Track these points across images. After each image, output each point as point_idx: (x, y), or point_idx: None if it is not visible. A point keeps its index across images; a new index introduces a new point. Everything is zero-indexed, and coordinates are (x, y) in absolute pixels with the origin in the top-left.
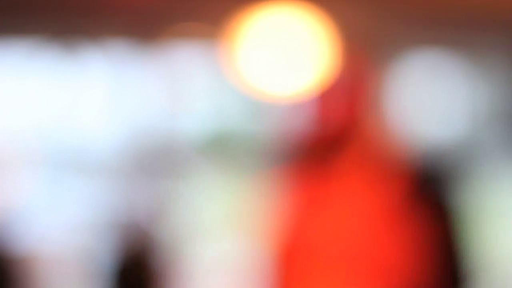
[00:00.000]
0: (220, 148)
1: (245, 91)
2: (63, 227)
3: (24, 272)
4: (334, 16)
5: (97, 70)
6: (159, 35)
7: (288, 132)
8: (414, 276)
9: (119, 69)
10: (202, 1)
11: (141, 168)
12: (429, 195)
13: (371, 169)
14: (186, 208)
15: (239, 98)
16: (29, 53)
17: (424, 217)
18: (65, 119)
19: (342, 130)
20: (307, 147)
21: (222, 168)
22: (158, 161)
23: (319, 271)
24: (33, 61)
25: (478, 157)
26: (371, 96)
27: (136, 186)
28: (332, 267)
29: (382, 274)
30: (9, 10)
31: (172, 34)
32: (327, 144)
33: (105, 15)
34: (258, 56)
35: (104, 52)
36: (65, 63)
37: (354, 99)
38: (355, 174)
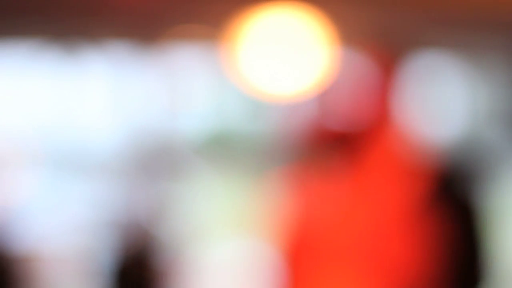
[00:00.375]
0: (221, 148)
1: (246, 91)
2: (64, 226)
3: (25, 271)
4: (334, 18)
5: (97, 71)
6: (159, 37)
7: (294, 130)
8: (430, 275)
9: (119, 71)
10: (202, 3)
11: (142, 168)
12: (450, 195)
13: (390, 167)
14: (187, 208)
15: (239, 98)
16: (30, 54)
17: (445, 217)
18: (66, 119)
19: (357, 127)
20: (316, 145)
21: (223, 168)
22: (158, 162)
23: (329, 269)
24: (34, 62)
25: (482, 157)
26: (393, 95)
27: (137, 186)
28: (342, 265)
29: (394, 272)
30: (10, 11)
31: (172, 35)
32: (339, 142)
33: (106, 17)
34: (258, 57)
35: (105, 54)
36: (65, 64)
37: (375, 97)
38: (370, 172)
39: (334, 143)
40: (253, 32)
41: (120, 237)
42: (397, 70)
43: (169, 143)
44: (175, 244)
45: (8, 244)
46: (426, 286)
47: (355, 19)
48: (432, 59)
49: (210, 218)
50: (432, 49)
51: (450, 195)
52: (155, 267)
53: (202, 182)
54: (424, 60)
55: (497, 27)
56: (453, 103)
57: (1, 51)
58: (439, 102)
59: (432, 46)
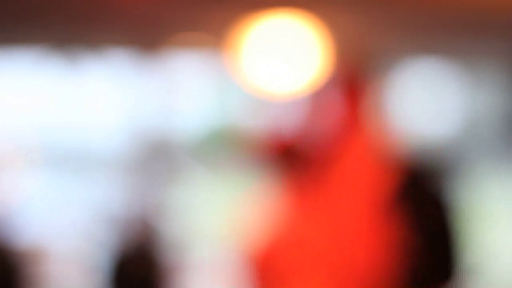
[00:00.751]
0: (219, 149)
1: (247, 91)
2: (66, 223)
3: (28, 267)
4: (331, 25)
5: (99, 75)
6: (160, 44)
7: (282, 132)
8: (402, 273)
9: (121, 75)
10: (202, 12)
11: (142, 167)
12: (421, 195)
13: (361, 172)
14: (187, 206)
15: (239, 100)
16: (35, 59)
17: (416, 217)
18: (68, 120)
19: (335, 133)
20: (286, 152)
21: (222, 167)
22: (158, 160)
23: (302, 275)
24: (38, 67)
25: (472, 156)
26: (367, 100)
27: (138, 184)
28: (315, 271)
29: (367, 276)
30: (16, 20)
31: (172, 43)
32: (319, 147)
33: (107, 25)
34: (257, 60)
35: (107, 60)
36: (68, 68)
37: (350, 103)
38: (342, 178)
39: (306, 151)
40: (251, 37)
41: (121, 234)
42: (383, 79)
43: (169, 142)
44: (175, 241)
45: (11, 240)
46: (398, 284)
47: (351, 26)
48: (428, 66)
49: (206, 217)
50: (429, 57)
51: (422, 195)
52: (155, 263)
53: (201, 181)
54: (421, 67)
55: (491, 34)
56: (448, 106)
57: (7, 56)
58: (435, 105)
59: (428, 54)
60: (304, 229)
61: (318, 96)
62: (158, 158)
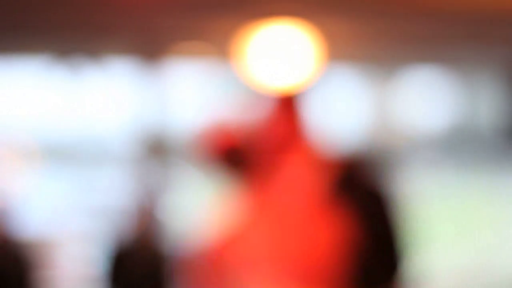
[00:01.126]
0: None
1: (248, 94)
2: (70, 213)
3: (32, 259)
4: (329, 34)
5: (102, 83)
6: (160, 53)
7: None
8: (349, 268)
9: (122, 83)
10: (203, 21)
11: (143, 159)
12: (364, 189)
13: (308, 170)
14: (187, 198)
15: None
16: (38, 68)
17: (359, 210)
18: (72, 121)
19: (285, 138)
20: (243, 150)
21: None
22: (156, 160)
23: (252, 271)
24: (42, 75)
25: (461, 158)
26: (309, 108)
27: (137, 180)
28: (264, 268)
29: (316, 272)
30: (19, 30)
31: (173, 52)
32: (264, 148)
33: (110, 34)
34: (257, 65)
35: (110, 68)
36: (71, 76)
37: (292, 107)
38: (291, 176)
39: (252, 151)
40: (251, 45)
41: (121, 227)
42: (382, 85)
43: (167, 144)
44: (177, 230)
45: (16, 233)
46: (345, 278)
47: (348, 35)
48: (423, 75)
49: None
50: (422, 63)
51: (363, 191)
52: (156, 256)
53: (186, 181)
54: (416, 76)
55: (488, 39)
56: (433, 109)
57: (11, 65)
58: (421, 108)
59: (422, 60)
60: (253, 227)
61: (271, 102)
62: (155, 158)
